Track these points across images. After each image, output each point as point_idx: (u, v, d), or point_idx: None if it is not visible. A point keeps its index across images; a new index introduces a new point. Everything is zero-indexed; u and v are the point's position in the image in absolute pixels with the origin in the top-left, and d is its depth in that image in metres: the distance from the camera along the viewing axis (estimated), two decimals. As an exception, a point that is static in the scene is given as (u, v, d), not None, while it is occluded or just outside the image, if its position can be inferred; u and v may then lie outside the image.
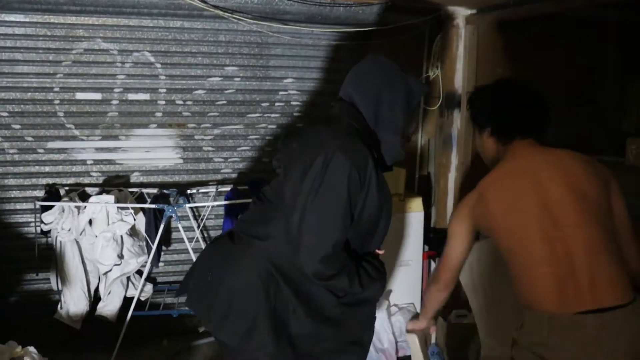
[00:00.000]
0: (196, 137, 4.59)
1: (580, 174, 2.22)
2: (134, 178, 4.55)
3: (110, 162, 4.48)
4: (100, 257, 4.07)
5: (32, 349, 3.04)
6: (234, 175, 4.72)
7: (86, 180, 4.45)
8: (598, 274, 2.06)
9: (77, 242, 4.19)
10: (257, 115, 4.65)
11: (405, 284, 4.33)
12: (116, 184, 4.48)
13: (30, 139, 4.29)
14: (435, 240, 4.43)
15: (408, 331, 2.84)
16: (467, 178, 4.42)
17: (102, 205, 4.06)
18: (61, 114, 4.31)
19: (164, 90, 4.46)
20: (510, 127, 2.41)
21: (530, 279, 2.14)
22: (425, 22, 4.42)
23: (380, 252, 2.41)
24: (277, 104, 4.67)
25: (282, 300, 2.19)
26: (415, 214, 4.36)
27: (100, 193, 4.25)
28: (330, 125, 2.28)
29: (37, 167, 4.34)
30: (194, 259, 4.14)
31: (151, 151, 4.55)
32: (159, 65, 4.42)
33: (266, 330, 2.16)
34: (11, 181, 4.31)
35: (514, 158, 2.37)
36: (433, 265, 4.42)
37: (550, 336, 2.05)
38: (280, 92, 4.66)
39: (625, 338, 2.04)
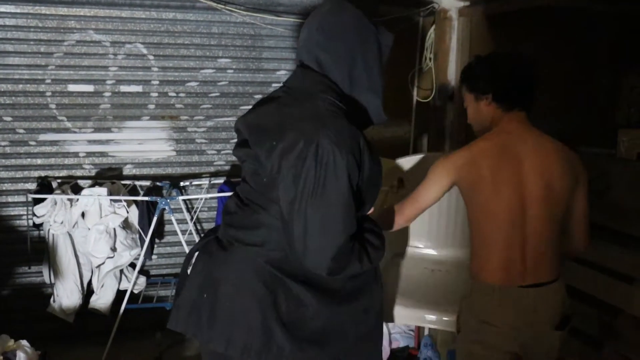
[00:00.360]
0: (189, 129, 4.58)
1: (556, 170, 2.39)
2: (127, 170, 4.53)
3: (102, 154, 4.46)
4: (93, 250, 4.06)
5: (24, 342, 3.05)
6: (227, 168, 4.71)
7: (78, 172, 4.43)
8: (541, 259, 2.36)
9: (70, 235, 4.18)
10: (250, 107, 4.62)
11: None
12: (109, 176, 4.46)
13: (21, 131, 4.26)
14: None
15: None
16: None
17: (94, 197, 4.05)
18: (53, 106, 4.29)
19: (157, 82, 4.44)
20: (515, 94, 2.48)
21: (487, 253, 2.37)
22: (418, 14, 4.43)
23: (371, 211, 2.25)
24: (270, 96, 4.66)
25: (292, 298, 2.02)
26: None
27: (92, 185, 4.23)
28: (304, 104, 2.00)
29: (29, 159, 4.32)
30: (187, 252, 4.17)
31: (144, 143, 4.53)
32: (151, 57, 4.40)
33: (284, 337, 2.00)
34: (2, 174, 4.28)
35: (509, 133, 2.45)
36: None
37: (499, 304, 2.33)
38: (274, 84, 4.65)
39: (552, 306, 2.38)
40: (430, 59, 4.49)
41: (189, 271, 2.22)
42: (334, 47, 2.03)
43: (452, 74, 4.42)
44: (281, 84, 2.20)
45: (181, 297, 2.17)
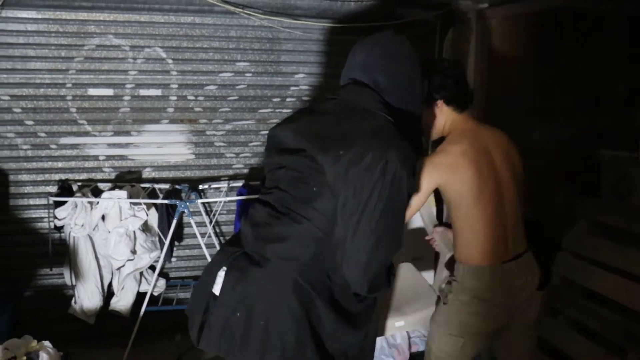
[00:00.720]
0: (208, 132, 4.61)
1: (514, 155, 2.73)
2: (146, 173, 4.57)
3: (122, 157, 4.50)
4: (114, 252, 4.10)
5: (47, 343, 3.08)
6: (245, 171, 4.73)
7: (98, 175, 4.48)
8: (517, 235, 2.68)
9: (90, 238, 4.21)
10: (269, 110, 4.66)
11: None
12: (128, 179, 4.49)
13: (43, 134, 4.31)
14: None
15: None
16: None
17: (114, 200, 4.08)
18: (74, 110, 4.33)
19: (176, 86, 4.47)
20: (464, 95, 2.70)
21: (477, 240, 2.58)
22: (436, 17, 4.41)
23: None
24: (288, 99, 4.68)
25: (317, 317, 2.03)
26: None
27: (112, 189, 4.26)
28: (366, 119, 2.09)
29: (50, 162, 4.37)
30: (207, 254, 4.20)
31: (163, 147, 4.56)
32: (170, 61, 4.43)
33: (313, 353, 2.02)
34: (24, 177, 4.33)
35: (471, 131, 2.67)
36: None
37: (491, 282, 2.58)
38: (292, 88, 4.67)
39: (531, 272, 2.71)
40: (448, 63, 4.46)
41: (215, 288, 2.14)
42: (393, 73, 2.18)
43: (471, 77, 4.39)
44: (328, 98, 2.26)
45: (213, 315, 2.12)
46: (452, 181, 2.55)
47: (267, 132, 4.56)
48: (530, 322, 2.78)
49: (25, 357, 2.88)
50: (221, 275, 2.13)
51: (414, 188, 2.04)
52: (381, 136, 2.01)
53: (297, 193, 2.06)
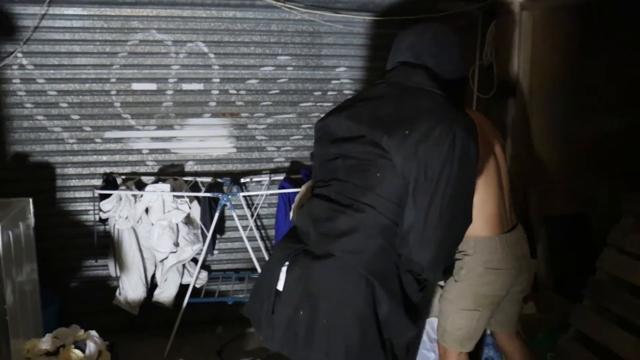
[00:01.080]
0: (249, 126, 4.63)
1: (500, 137, 3.00)
2: (189, 167, 4.62)
3: (165, 151, 4.56)
4: (157, 244, 4.16)
5: (93, 332, 3.13)
6: (286, 164, 4.75)
7: (142, 169, 4.54)
8: (510, 209, 2.96)
9: (134, 230, 4.28)
10: (310, 104, 4.67)
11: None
12: (171, 172, 4.55)
13: (88, 129, 4.39)
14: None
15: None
16: (522, 168, 4.35)
17: (158, 193, 4.14)
18: (118, 105, 4.40)
19: (218, 80, 4.51)
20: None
21: (486, 214, 2.78)
22: (478, 9, 4.36)
23: None
24: (329, 92, 4.69)
25: (384, 313, 2.01)
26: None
27: (156, 182, 4.32)
28: (423, 96, 2.10)
29: (95, 156, 4.45)
30: (248, 247, 4.23)
31: (205, 140, 4.61)
32: (212, 56, 4.47)
33: (379, 350, 2.02)
34: (70, 170, 4.42)
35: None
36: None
37: (501, 251, 2.80)
38: (333, 81, 4.67)
39: (525, 241, 2.98)
40: (491, 54, 4.41)
41: (279, 285, 2.13)
42: (442, 57, 2.21)
43: (515, 68, 4.33)
44: (375, 84, 2.27)
45: (276, 314, 2.11)
46: None
47: (308, 125, 4.64)
48: (524, 287, 3.00)
49: (73, 346, 2.94)
50: (284, 271, 2.10)
51: (478, 159, 2.06)
52: (443, 111, 2.02)
53: (358, 181, 2.03)
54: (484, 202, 2.77)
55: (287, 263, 2.11)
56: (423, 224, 1.91)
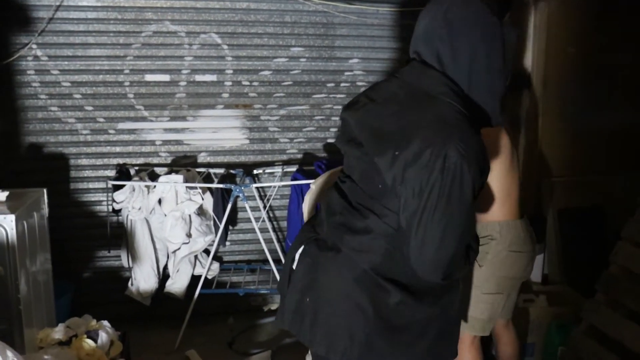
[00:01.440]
0: (262, 117, 4.63)
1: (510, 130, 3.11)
2: (201, 158, 4.63)
3: (178, 142, 4.57)
4: (170, 235, 4.17)
5: (106, 322, 3.14)
6: (299, 156, 4.75)
7: (155, 160, 4.55)
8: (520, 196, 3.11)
9: (147, 221, 4.30)
10: (323, 95, 4.66)
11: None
12: (184, 164, 4.56)
13: (102, 120, 4.40)
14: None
15: None
16: (536, 160, 4.32)
17: (171, 184, 4.15)
18: (131, 96, 4.41)
19: (231, 72, 4.51)
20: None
21: (510, 200, 2.98)
22: (493, 1, 4.32)
23: None
24: (342, 84, 4.67)
25: (394, 305, 1.98)
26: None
27: (169, 173, 4.33)
28: (426, 108, 1.88)
29: (108, 147, 4.46)
30: (261, 239, 4.23)
31: (218, 132, 4.61)
32: (225, 47, 4.47)
33: (384, 343, 1.98)
34: (84, 161, 4.44)
35: None
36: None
37: (524, 234, 2.99)
38: (346, 73, 4.66)
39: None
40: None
41: (294, 265, 2.17)
42: (456, 42, 1.90)
43: (529, 61, 4.30)
44: (394, 76, 2.07)
45: (287, 297, 2.15)
46: (498, 149, 2.92)
47: (321, 117, 4.66)
48: (528, 273, 3.13)
49: (85, 335, 2.95)
50: (297, 256, 2.15)
51: (481, 177, 1.85)
52: (442, 128, 1.80)
53: (366, 188, 1.98)
54: (510, 188, 2.97)
55: (302, 247, 2.14)
56: (414, 243, 1.83)
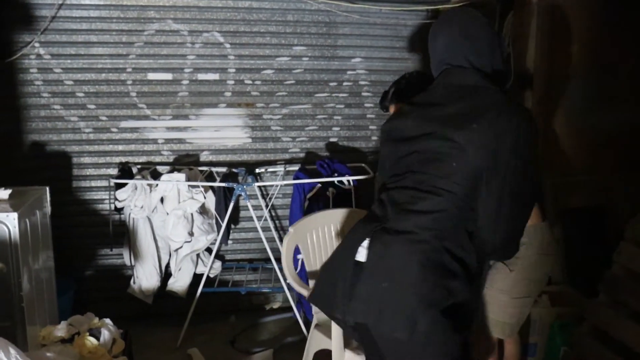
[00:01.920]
0: (265, 116, 4.63)
1: None
2: (204, 157, 4.63)
3: (180, 141, 4.57)
4: (172, 234, 4.17)
5: (108, 320, 3.14)
6: (301, 155, 4.75)
7: (157, 158, 4.56)
8: None
9: (149, 219, 4.30)
10: (325, 94, 4.66)
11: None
12: (186, 162, 4.56)
13: (104, 118, 4.41)
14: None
15: None
16: (539, 160, 4.31)
17: (173, 183, 4.15)
18: (134, 94, 4.41)
19: (233, 70, 4.51)
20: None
21: (538, 204, 2.94)
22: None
23: None
24: (345, 83, 4.67)
25: (454, 285, 2.13)
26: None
27: (171, 171, 4.34)
28: (483, 95, 2.27)
29: (110, 145, 4.47)
30: (263, 238, 4.23)
31: (220, 130, 4.61)
32: (228, 46, 4.47)
33: (445, 325, 2.12)
34: (87, 159, 4.45)
35: None
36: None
37: (549, 236, 3.04)
38: (349, 72, 4.66)
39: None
40: (508, 44, 4.36)
41: (359, 257, 2.25)
42: (476, 43, 2.32)
43: (532, 59, 4.28)
44: (429, 88, 2.40)
45: (357, 287, 2.21)
46: None
47: (323, 116, 4.66)
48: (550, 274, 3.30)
49: (87, 333, 2.96)
50: (364, 246, 2.24)
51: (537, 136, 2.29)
52: (504, 103, 2.20)
53: (435, 171, 2.20)
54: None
55: (367, 240, 2.24)
56: (496, 207, 2.12)
